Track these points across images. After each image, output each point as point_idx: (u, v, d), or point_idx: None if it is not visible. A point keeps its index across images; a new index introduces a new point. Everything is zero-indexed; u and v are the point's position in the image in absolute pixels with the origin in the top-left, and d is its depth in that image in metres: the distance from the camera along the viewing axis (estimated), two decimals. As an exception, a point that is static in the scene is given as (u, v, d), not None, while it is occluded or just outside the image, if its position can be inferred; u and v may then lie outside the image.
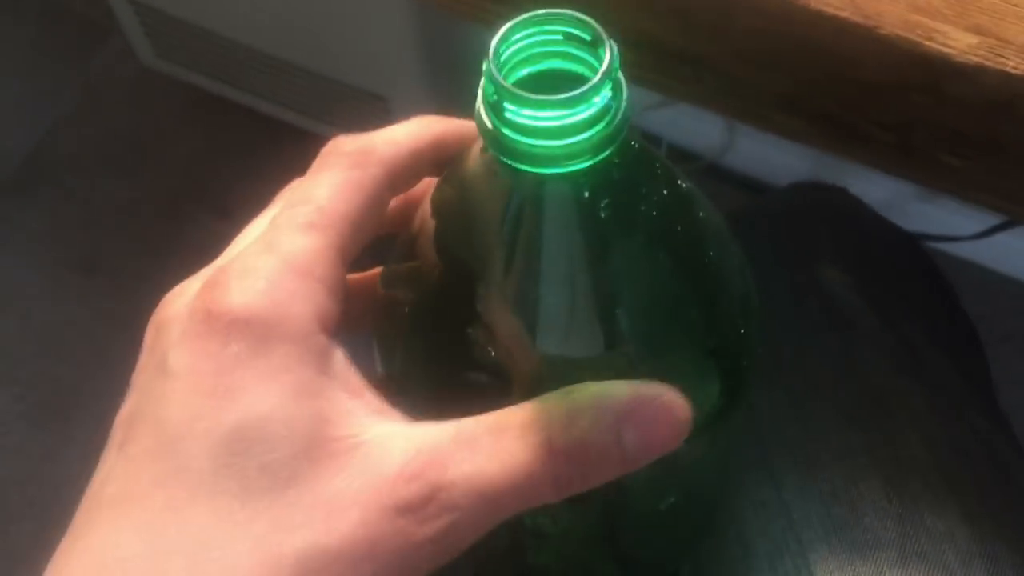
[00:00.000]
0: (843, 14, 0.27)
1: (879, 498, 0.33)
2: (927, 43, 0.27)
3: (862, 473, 0.34)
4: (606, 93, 0.21)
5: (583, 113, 0.21)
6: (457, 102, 0.90)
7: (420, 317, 0.26)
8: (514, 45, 0.22)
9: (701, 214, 0.26)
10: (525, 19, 0.22)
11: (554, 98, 0.20)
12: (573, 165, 0.21)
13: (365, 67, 0.87)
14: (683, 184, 0.26)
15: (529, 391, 0.24)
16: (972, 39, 0.27)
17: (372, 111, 0.91)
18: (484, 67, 0.21)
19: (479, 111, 0.22)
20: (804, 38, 0.28)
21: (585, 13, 0.29)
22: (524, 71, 0.22)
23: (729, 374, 0.26)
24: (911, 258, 0.45)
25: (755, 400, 0.36)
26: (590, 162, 0.22)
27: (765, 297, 0.39)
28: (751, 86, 0.31)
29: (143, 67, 1.01)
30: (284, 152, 1.03)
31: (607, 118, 0.21)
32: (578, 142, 0.21)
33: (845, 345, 0.37)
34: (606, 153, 0.22)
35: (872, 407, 0.35)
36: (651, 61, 0.32)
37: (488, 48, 0.21)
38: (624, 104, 0.21)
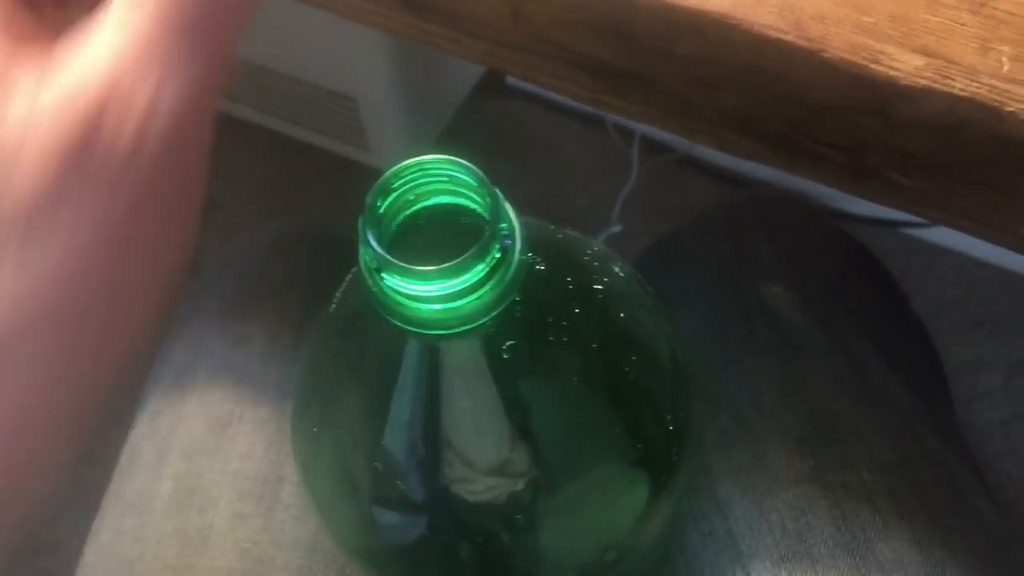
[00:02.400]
0: (787, 38, 0.27)
1: (828, 527, 0.33)
2: (873, 66, 0.26)
3: (810, 501, 0.33)
4: (494, 252, 0.20)
5: (470, 279, 0.20)
6: (428, 103, 0.89)
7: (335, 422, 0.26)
8: (395, 192, 0.21)
9: (621, 313, 0.26)
10: (405, 166, 0.20)
11: (434, 269, 0.19)
12: (465, 327, 0.20)
13: (334, 68, 0.86)
14: (599, 285, 0.25)
15: (439, 524, 0.23)
16: (919, 61, 0.26)
17: (342, 112, 0.90)
18: (360, 227, 0.20)
19: (362, 270, 0.21)
20: (749, 62, 0.27)
21: (531, 36, 0.28)
22: (413, 208, 0.21)
23: (659, 471, 0.26)
24: (860, 267, 0.45)
25: (701, 427, 0.36)
26: (483, 321, 0.20)
27: (711, 318, 0.39)
28: (702, 107, 0.30)
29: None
30: (253, 154, 1.03)
31: (499, 274, 0.20)
32: (468, 305, 0.20)
33: (792, 367, 0.37)
34: (502, 308, 0.21)
35: (820, 431, 0.35)
36: (601, 84, 0.31)
37: (365, 204, 0.20)
38: (517, 252, 0.20)
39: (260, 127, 0.97)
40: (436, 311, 0.20)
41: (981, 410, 0.95)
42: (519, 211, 0.21)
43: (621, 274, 0.28)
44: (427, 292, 0.20)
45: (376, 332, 0.23)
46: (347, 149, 0.95)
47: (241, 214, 1.01)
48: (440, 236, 0.21)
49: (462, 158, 0.21)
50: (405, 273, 0.19)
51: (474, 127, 1.03)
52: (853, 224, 0.97)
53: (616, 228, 0.98)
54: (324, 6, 0.34)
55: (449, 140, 0.97)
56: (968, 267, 0.99)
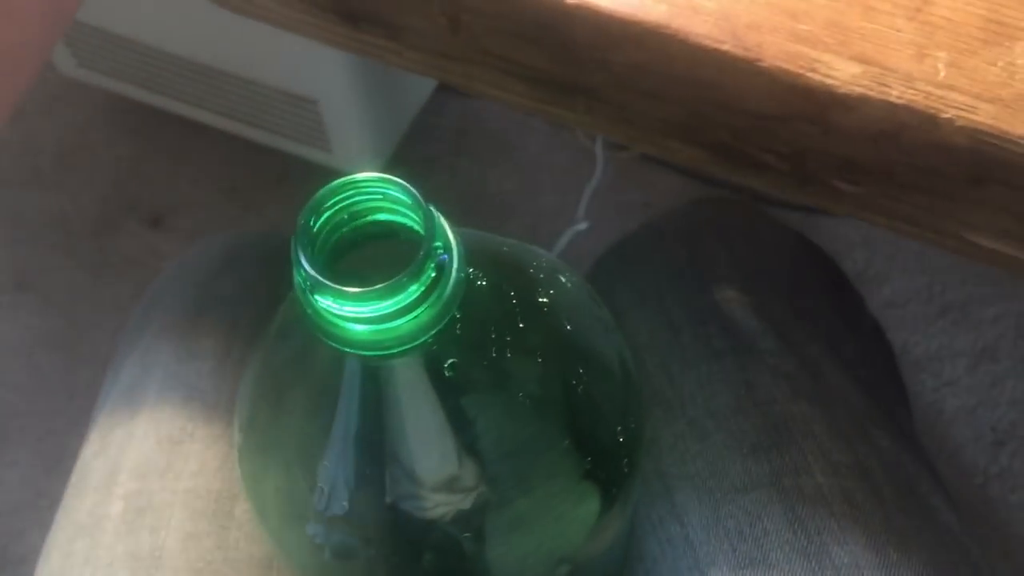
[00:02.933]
0: (724, 47, 0.26)
1: (784, 531, 0.33)
2: (810, 74, 0.26)
3: (766, 506, 0.33)
4: (429, 271, 0.19)
5: (404, 299, 0.19)
6: (390, 103, 0.88)
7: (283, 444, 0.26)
8: (328, 211, 0.20)
9: (568, 325, 0.26)
10: (338, 185, 0.20)
11: (365, 290, 0.19)
12: (402, 347, 0.20)
13: (295, 70, 0.86)
14: (545, 298, 0.25)
15: (388, 543, 0.23)
16: (855, 68, 0.26)
17: (304, 114, 0.89)
18: (291, 247, 0.19)
19: (296, 290, 0.20)
20: (687, 71, 0.27)
21: (471, 47, 0.28)
22: (350, 226, 0.21)
23: (610, 483, 0.26)
24: (813, 268, 0.45)
25: (657, 434, 0.36)
26: (422, 341, 0.20)
27: (665, 324, 0.39)
28: (643, 116, 0.30)
29: (64, 77, 0.98)
30: (215, 158, 1.02)
31: (435, 294, 0.20)
32: (403, 325, 0.20)
33: (746, 372, 0.37)
34: (440, 327, 0.20)
35: (774, 436, 0.35)
36: (542, 94, 0.31)
37: (297, 224, 0.20)
38: (455, 269, 0.20)
39: (221, 131, 0.96)
40: (370, 332, 0.20)
41: (946, 398, 0.95)
42: (456, 222, 0.21)
43: (568, 285, 0.27)
44: (359, 313, 0.19)
45: (317, 351, 0.22)
46: (310, 152, 0.94)
47: (203, 218, 1.00)
48: (384, 254, 0.21)
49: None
50: (336, 294, 0.19)
51: (438, 126, 1.02)
52: (815, 215, 0.98)
53: (582, 225, 0.98)
54: (265, 19, 0.34)
55: (413, 140, 0.96)
56: (932, 256, 1.00)
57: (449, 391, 0.22)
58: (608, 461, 0.26)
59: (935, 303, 1.00)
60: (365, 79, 0.86)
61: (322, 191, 0.20)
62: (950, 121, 0.26)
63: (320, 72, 0.85)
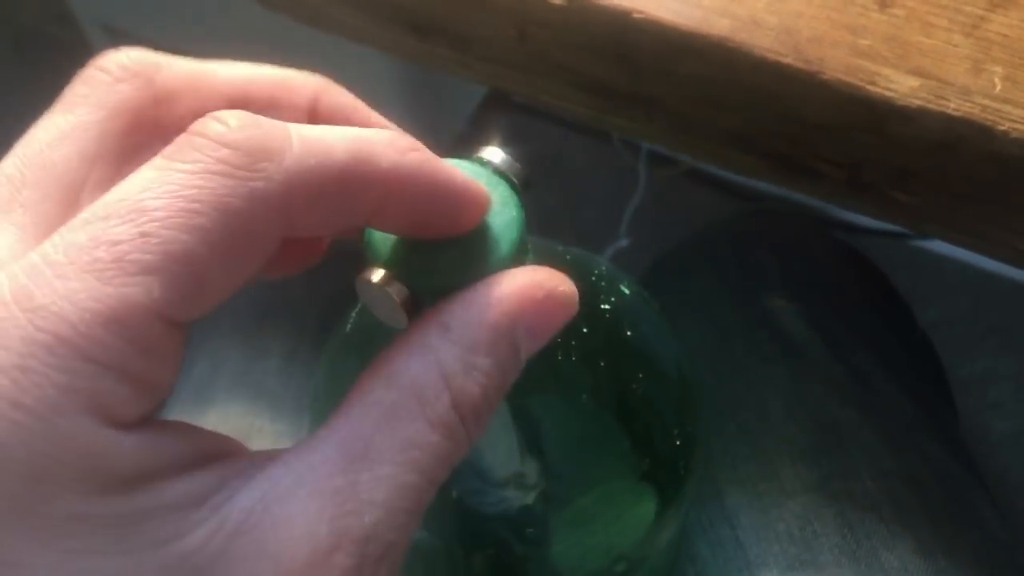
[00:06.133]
0: (786, 60, 0.27)
1: (833, 535, 0.33)
2: (870, 87, 0.27)
3: (816, 510, 0.34)
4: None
5: None
6: (435, 118, 0.89)
7: None
8: None
9: (628, 331, 0.27)
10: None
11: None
12: None
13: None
14: (607, 305, 0.26)
15: (451, 536, 0.24)
16: (914, 82, 0.27)
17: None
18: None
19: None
20: (749, 83, 0.28)
21: (537, 57, 0.29)
22: None
23: (667, 484, 0.27)
24: (862, 278, 0.45)
25: (708, 438, 0.37)
26: None
27: (716, 331, 0.40)
28: (703, 126, 0.31)
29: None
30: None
31: None
32: None
33: (796, 378, 0.37)
34: None
35: (824, 441, 0.36)
36: (604, 103, 0.32)
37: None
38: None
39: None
40: None
41: (992, 421, 0.95)
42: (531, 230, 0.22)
43: (628, 292, 0.28)
44: None
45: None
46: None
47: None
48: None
49: None
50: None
51: (480, 143, 1.03)
52: (861, 236, 0.98)
53: (623, 242, 0.99)
54: (337, 31, 0.35)
55: (456, 157, 0.98)
56: (977, 278, 0.99)
57: (516, 391, 0.23)
58: (665, 463, 0.27)
59: (980, 326, 0.99)
60: (409, 95, 0.88)
61: None
62: (1005, 133, 0.27)
63: (364, 88, 0.87)
